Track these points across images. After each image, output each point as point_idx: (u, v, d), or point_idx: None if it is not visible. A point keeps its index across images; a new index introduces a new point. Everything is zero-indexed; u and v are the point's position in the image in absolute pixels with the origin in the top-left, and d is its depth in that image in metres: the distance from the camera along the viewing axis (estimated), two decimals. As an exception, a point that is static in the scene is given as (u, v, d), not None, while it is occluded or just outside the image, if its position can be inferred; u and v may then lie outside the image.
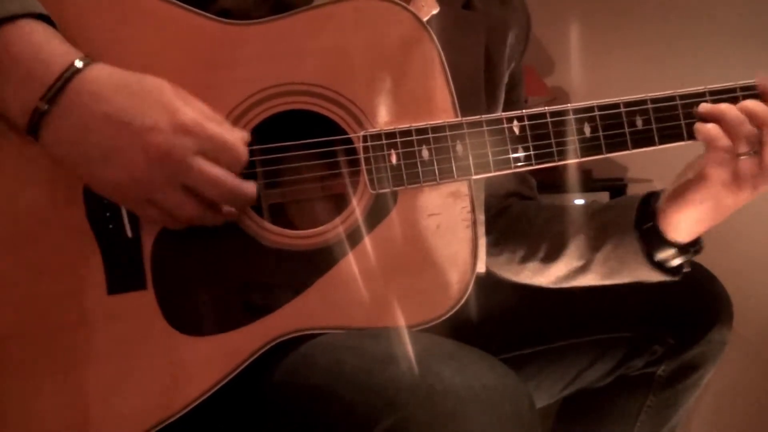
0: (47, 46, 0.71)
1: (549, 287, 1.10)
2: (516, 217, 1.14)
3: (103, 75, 0.72)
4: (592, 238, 1.01)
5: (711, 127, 0.84)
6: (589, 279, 1.04)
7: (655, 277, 0.95)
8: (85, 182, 0.75)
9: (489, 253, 1.14)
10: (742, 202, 0.86)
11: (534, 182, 1.23)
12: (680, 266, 0.95)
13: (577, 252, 1.03)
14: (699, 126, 0.86)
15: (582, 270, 1.04)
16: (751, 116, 0.84)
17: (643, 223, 0.94)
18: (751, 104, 0.85)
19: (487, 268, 1.11)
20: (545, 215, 1.11)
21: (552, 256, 1.06)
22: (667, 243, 0.92)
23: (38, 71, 0.70)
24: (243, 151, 0.76)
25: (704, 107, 0.86)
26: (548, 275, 1.08)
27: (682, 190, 0.90)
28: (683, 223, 0.90)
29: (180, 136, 0.71)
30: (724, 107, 0.85)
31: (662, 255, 0.93)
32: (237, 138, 0.76)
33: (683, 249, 0.92)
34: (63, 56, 0.71)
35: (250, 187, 0.76)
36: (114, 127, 0.70)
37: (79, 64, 0.71)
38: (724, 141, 0.83)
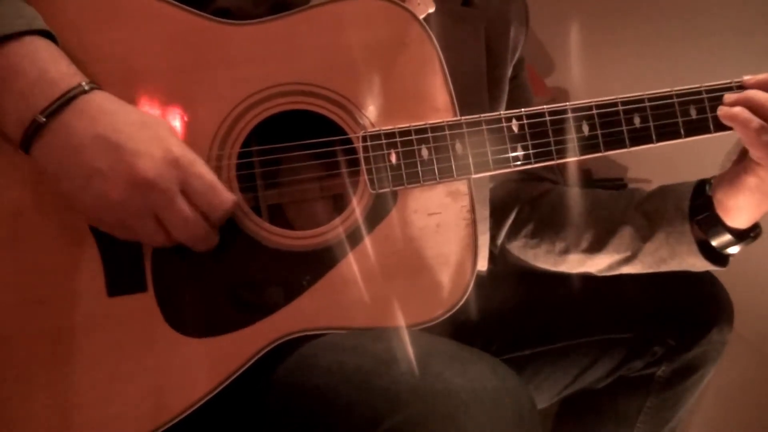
0: (54, 66, 0.71)
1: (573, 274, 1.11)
2: (554, 206, 1.14)
3: (107, 101, 0.73)
4: (640, 227, 1.01)
5: (739, 110, 0.85)
6: (634, 268, 1.05)
7: (703, 266, 0.97)
8: (67, 201, 0.74)
9: (527, 245, 1.14)
10: None
11: (556, 167, 1.21)
12: (729, 255, 0.96)
13: (623, 243, 1.03)
14: (726, 110, 0.86)
15: (628, 260, 1.04)
16: None
17: (698, 214, 0.95)
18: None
19: (489, 267, 1.11)
20: (586, 204, 1.10)
21: (596, 247, 1.06)
22: (726, 230, 0.93)
23: (43, 87, 0.70)
24: (227, 198, 0.75)
25: (729, 97, 0.87)
26: (591, 266, 1.09)
27: (734, 177, 0.90)
28: (743, 210, 0.91)
29: (170, 168, 0.72)
30: (750, 92, 0.85)
31: (720, 242, 0.94)
32: (222, 186, 0.76)
33: (742, 235, 0.93)
34: (71, 77, 0.72)
35: (215, 239, 0.77)
36: (104, 148, 0.70)
37: (86, 86, 0.71)
38: (756, 121, 0.83)
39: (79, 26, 0.75)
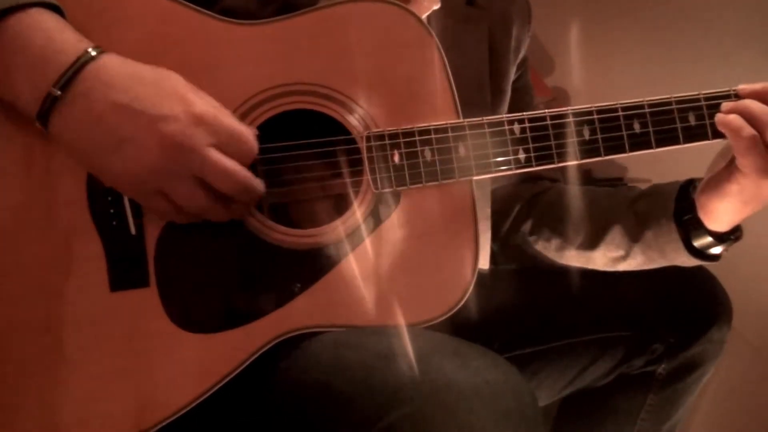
0: (60, 35, 0.71)
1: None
2: (551, 204, 1.15)
3: (116, 64, 0.72)
4: (630, 227, 1.02)
5: (733, 118, 0.85)
6: (631, 266, 1.05)
7: (694, 263, 0.98)
8: (94, 172, 0.74)
9: (525, 242, 1.15)
10: None
11: None
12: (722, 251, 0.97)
13: (614, 242, 1.04)
14: (720, 117, 0.86)
15: (622, 258, 1.05)
16: None
17: (683, 215, 0.96)
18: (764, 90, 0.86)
19: (490, 266, 1.11)
20: (581, 202, 1.11)
21: (589, 245, 1.07)
22: (707, 233, 0.94)
23: (51, 58, 0.69)
24: (254, 144, 0.76)
25: (727, 105, 0.87)
26: (589, 262, 1.09)
27: (718, 182, 0.91)
28: (722, 214, 0.92)
29: (195, 126, 0.71)
30: (747, 101, 0.86)
31: (701, 243, 0.95)
32: (249, 131, 0.76)
33: (723, 238, 0.94)
34: (76, 44, 0.71)
35: (259, 183, 0.76)
36: (127, 115, 0.70)
37: (92, 52, 0.71)
38: (747, 130, 0.84)
39: (85, 25, 0.75)
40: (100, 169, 0.73)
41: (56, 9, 0.73)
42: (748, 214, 0.92)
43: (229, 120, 0.74)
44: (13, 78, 0.70)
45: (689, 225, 0.95)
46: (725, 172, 0.90)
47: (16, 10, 0.69)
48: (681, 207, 0.96)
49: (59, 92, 0.69)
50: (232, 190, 0.74)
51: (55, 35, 0.70)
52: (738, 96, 0.88)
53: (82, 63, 0.70)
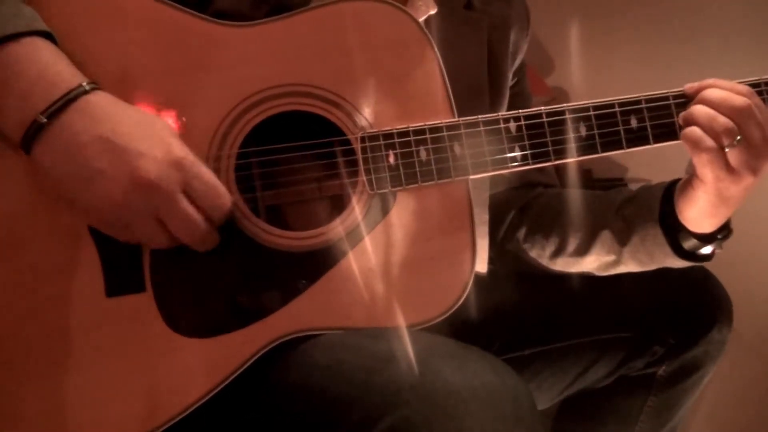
0: (54, 67, 0.71)
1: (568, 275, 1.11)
2: (542, 211, 1.14)
3: (107, 101, 0.73)
4: (618, 232, 1.02)
5: (693, 130, 0.85)
6: (625, 269, 1.05)
7: (685, 264, 0.97)
8: (67, 203, 0.74)
9: (520, 249, 1.15)
10: (750, 186, 0.87)
11: (552, 170, 1.22)
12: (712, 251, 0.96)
13: (604, 247, 1.04)
14: (684, 132, 0.86)
15: (615, 263, 1.04)
16: (717, 107, 0.84)
17: (667, 217, 0.95)
18: (709, 95, 0.86)
19: (489, 267, 1.11)
20: (572, 208, 1.11)
21: (581, 251, 1.07)
22: (690, 235, 0.93)
23: (43, 88, 0.70)
24: (228, 202, 0.76)
25: (681, 117, 0.87)
26: (581, 267, 1.09)
27: (685, 188, 0.91)
28: (698, 219, 0.91)
29: (171, 169, 0.72)
30: (693, 109, 0.86)
31: (689, 245, 0.95)
32: (227, 192, 0.76)
33: (708, 238, 0.93)
34: (71, 77, 0.72)
35: (216, 239, 0.77)
36: (106, 149, 0.70)
37: (86, 86, 0.71)
38: (707, 141, 0.83)
39: (78, 28, 0.75)
40: (71, 199, 0.73)
41: (49, 37, 0.73)
42: (727, 215, 0.91)
43: (205, 170, 0.75)
44: (3, 104, 0.70)
45: (674, 228, 0.94)
46: (689, 180, 0.90)
47: (10, 40, 0.69)
48: (665, 210, 0.96)
49: (45, 120, 0.69)
50: (187, 239, 0.75)
51: (50, 67, 0.71)
52: (686, 96, 0.88)
53: (73, 96, 0.70)
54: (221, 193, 0.75)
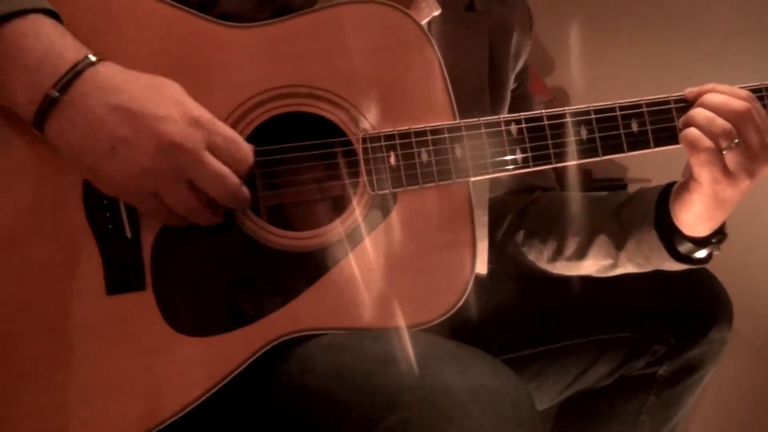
0: (60, 41, 0.71)
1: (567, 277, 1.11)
2: (539, 215, 1.14)
3: (115, 70, 0.72)
4: (615, 236, 1.02)
5: (691, 131, 0.85)
6: (623, 271, 1.05)
7: (681, 267, 0.96)
8: (89, 177, 0.74)
9: (518, 253, 1.15)
10: (746, 190, 0.87)
11: (551, 173, 1.23)
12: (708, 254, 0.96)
13: (601, 251, 1.04)
14: (682, 133, 0.86)
15: (612, 267, 1.04)
16: (716, 110, 0.84)
17: (663, 221, 0.95)
18: (709, 99, 0.86)
19: (489, 268, 1.11)
20: (568, 212, 1.11)
21: (578, 255, 1.06)
22: (686, 239, 0.93)
23: (51, 61, 0.69)
24: (250, 154, 0.76)
25: (680, 120, 0.87)
26: (579, 271, 1.09)
27: (681, 191, 0.91)
28: (693, 222, 0.91)
29: (192, 128, 0.72)
30: (692, 112, 0.86)
31: (684, 249, 0.94)
32: (247, 144, 0.76)
33: (703, 242, 0.93)
34: (77, 50, 0.71)
35: (246, 192, 0.77)
36: (125, 117, 0.70)
37: (92, 58, 0.71)
38: (705, 142, 0.83)
39: (81, 28, 0.75)
40: (94, 173, 0.73)
41: (54, 15, 0.72)
42: (722, 219, 0.91)
43: (224, 126, 0.75)
44: (11, 81, 0.70)
45: (670, 232, 0.94)
46: (686, 182, 0.89)
47: (15, 16, 0.69)
48: (660, 214, 0.96)
49: (57, 94, 0.69)
50: (221, 195, 0.74)
51: (55, 41, 0.70)
52: (686, 101, 0.88)
53: (81, 67, 0.70)
54: (242, 146, 0.75)
